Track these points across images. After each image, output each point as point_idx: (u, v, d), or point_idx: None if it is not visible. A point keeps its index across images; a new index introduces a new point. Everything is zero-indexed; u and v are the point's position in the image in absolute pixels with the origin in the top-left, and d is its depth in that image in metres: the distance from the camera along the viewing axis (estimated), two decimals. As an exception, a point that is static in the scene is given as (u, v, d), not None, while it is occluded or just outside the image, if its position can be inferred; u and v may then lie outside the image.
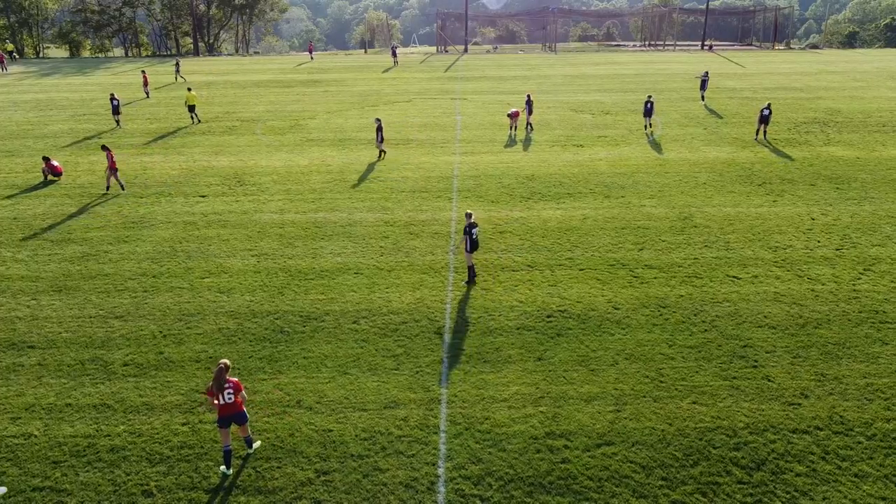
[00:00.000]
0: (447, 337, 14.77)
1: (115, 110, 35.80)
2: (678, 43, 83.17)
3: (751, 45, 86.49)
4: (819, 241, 19.84)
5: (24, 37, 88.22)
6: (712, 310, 15.82)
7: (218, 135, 34.20)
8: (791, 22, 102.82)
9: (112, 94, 36.49)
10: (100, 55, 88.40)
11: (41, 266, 18.70)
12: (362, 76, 54.25)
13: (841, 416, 11.93)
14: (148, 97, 45.01)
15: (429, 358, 13.92)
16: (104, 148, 24.97)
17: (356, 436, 11.57)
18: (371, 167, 27.85)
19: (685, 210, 22.51)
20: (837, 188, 24.75)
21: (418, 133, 33.88)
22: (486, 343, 14.46)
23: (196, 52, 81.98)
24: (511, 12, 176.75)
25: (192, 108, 37.16)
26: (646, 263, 18.39)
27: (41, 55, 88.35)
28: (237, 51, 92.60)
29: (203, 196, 24.60)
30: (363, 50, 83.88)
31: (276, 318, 15.63)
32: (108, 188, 25.22)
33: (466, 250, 17.12)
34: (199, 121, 37.15)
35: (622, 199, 23.68)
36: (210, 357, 14.02)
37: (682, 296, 16.53)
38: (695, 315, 15.59)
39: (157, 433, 11.70)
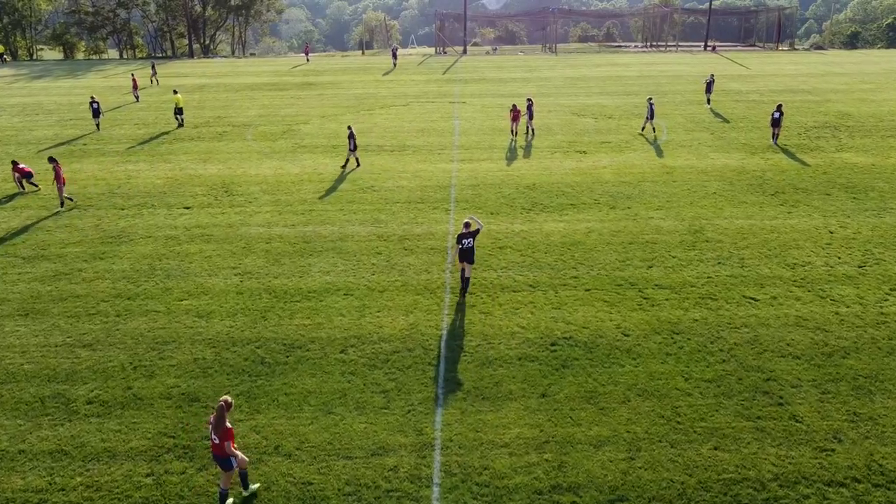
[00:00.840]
0: (442, 368, 13.56)
1: (96, 114, 34.83)
2: (680, 44, 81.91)
3: (753, 45, 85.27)
4: (839, 258, 18.63)
5: (18, 38, 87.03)
6: (730, 336, 14.61)
7: (207, 141, 32.98)
8: (792, 22, 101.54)
9: (92, 98, 35.41)
10: (94, 57, 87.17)
11: (9, 287, 17.48)
12: (359, 79, 53.06)
13: (880, 465, 10.72)
14: (138, 101, 43.80)
15: (422, 394, 12.70)
16: (51, 160, 23.32)
17: (339, 489, 10.36)
18: (365, 176, 26.64)
19: (695, 222, 21.30)
20: (854, 198, 23.53)
21: (415, 139, 32.67)
22: (485, 376, 13.24)
23: (191, 54, 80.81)
24: (510, 12, 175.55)
25: (178, 111, 36.05)
26: (656, 283, 17.18)
27: (35, 57, 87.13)
28: (233, 52, 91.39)
29: (188, 207, 23.38)
30: (360, 51, 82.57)
31: (258, 347, 14.42)
32: (62, 204, 23.60)
33: (457, 260, 16.13)
34: (182, 125, 36.02)
35: (628, 210, 22.47)
36: (182, 393, 12.81)
37: (696, 320, 15.32)
38: (711, 343, 14.37)
39: (118, 486, 10.48)
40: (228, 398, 9.73)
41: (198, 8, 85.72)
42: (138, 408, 12.41)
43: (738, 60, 63.40)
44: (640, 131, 33.41)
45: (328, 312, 15.85)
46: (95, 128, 35.44)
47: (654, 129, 33.16)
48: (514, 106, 33.13)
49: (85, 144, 32.70)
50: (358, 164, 27.94)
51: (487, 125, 35.25)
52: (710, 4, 75.57)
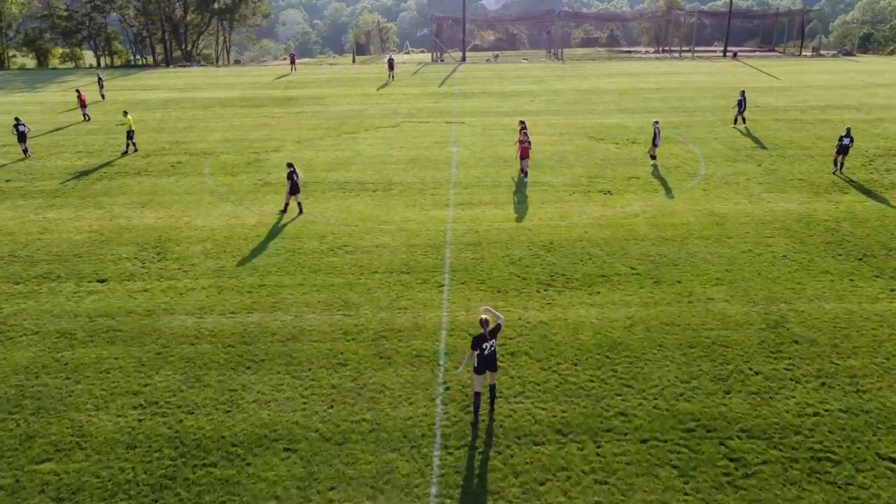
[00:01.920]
0: None
1: (21, 138, 29.79)
2: (696, 49, 76.48)
3: (772, 50, 79.95)
4: None
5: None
6: (884, 551, 9.21)
7: (155, 175, 27.54)
8: (815, 26, 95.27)
9: (17, 120, 30.17)
10: (68, 65, 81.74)
11: None
12: (346, 92, 47.60)
13: None
14: (87, 120, 38.41)
15: None
16: None
17: None
18: (338, 229, 21.22)
19: (771, 307, 15.87)
20: (970, 265, 18.13)
21: (404, 173, 27.23)
22: None
23: (166, 62, 75.30)
24: (511, 12, 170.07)
25: (129, 135, 30.79)
26: (741, 426, 11.76)
27: (6, 65, 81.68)
28: (217, 59, 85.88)
29: (102, 280, 17.95)
30: (352, 59, 76.88)
31: (131, 575, 9.01)
32: None
33: (475, 371, 11.66)
34: (125, 152, 30.82)
35: (679, 285, 17.05)
36: None
37: (820, 510, 9.91)
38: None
39: None
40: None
41: (178, 12, 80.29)
42: None
43: (764, 69, 57.97)
44: (652, 161, 28.11)
45: (255, 489, 10.44)
46: (23, 154, 30.17)
47: (653, 157, 28.01)
48: (521, 130, 27.84)
49: (8, 181, 27.25)
50: (300, 212, 22.63)
51: (490, 154, 29.82)
52: (731, 6, 70.02)
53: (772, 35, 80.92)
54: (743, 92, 34.82)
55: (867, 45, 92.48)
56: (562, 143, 31.50)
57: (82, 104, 38.32)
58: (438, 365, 13.77)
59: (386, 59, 56.80)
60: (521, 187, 25.11)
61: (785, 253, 18.98)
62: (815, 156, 28.92)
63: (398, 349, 14.35)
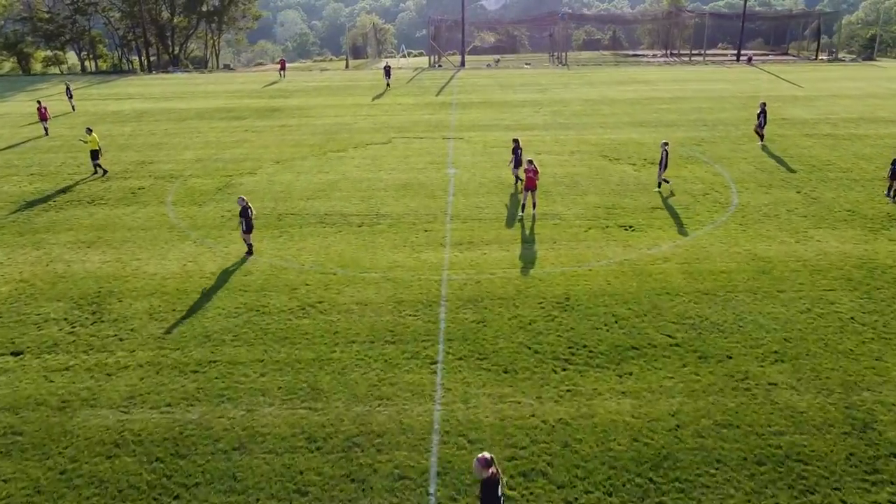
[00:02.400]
0: None
1: None
2: (707, 53, 73.06)
3: (786, 53, 76.60)
4: None
5: (-35, 49, 78.23)
6: None
7: (111, 205, 24.17)
8: (831, 28, 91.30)
9: None
10: (53, 69, 78.36)
11: None
12: (335, 102, 44.19)
13: None
14: (47, 134, 35.06)
15: None
16: None
17: None
18: (312, 279, 17.84)
19: (851, 397, 12.51)
20: None
21: (394, 202, 23.86)
22: None
23: (148, 68, 71.81)
24: (510, 13, 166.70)
25: (94, 155, 27.45)
26: None
27: (-15, 69, 78.35)
28: (206, 64, 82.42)
29: (17, 353, 14.58)
30: (345, 63, 73.32)
31: None
32: None
33: None
34: (95, 173, 27.66)
35: (729, 362, 13.68)
36: None
37: None
38: None
39: None
40: None
41: (165, 14, 76.84)
42: None
43: (782, 75, 54.58)
44: (657, 188, 24.74)
45: None
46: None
47: (666, 181, 24.58)
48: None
49: (-59, 211, 23.92)
50: (249, 252, 19.37)
51: (492, 177, 26.43)
52: (745, 7, 66.55)
53: (778, 37, 77.48)
54: (763, 105, 31.32)
55: (874, 47, 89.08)
56: (572, 164, 28.12)
57: (42, 117, 34.92)
58: (428, 495, 10.40)
59: (382, 66, 53.32)
60: (528, 220, 21.73)
61: (852, 314, 15.61)
62: (860, 180, 25.56)
63: (376, 466, 10.98)
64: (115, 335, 15.20)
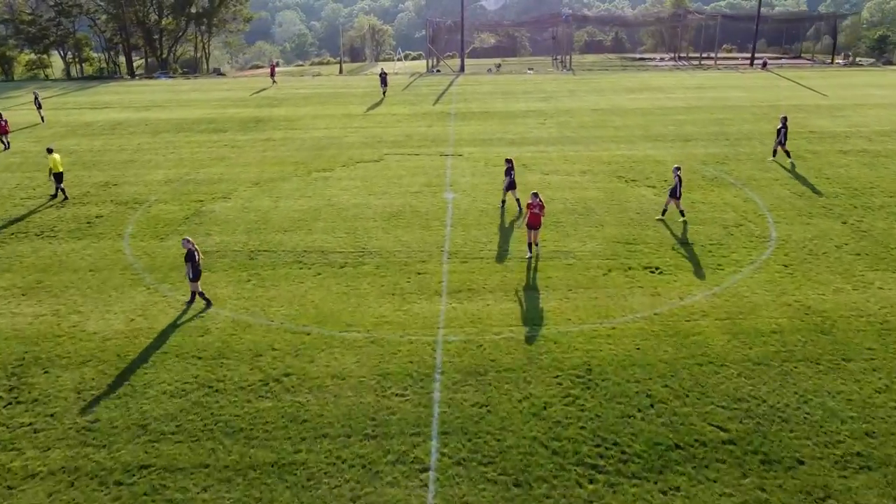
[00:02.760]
0: None
1: None
2: (719, 57, 70.06)
3: (798, 57, 73.65)
4: None
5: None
6: None
7: (60, 239, 21.17)
8: (855, 32, 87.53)
9: None
10: (38, 72, 75.36)
11: None
12: (325, 112, 41.19)
13: None
14: (7, 149, 32.13)
15: None
16: None
17: None
18: (280, 339, 14.88)
19: (971, 528, 9.55)
20: None
21: (383, 234, 20.89)
22: None
23: (132, 74, 68.69)
24: (511, 13, 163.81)
25: (57, 178, 24.51)
26: None
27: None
28: (196, 68, 79.35)
29: None
30: (338, 68, 70.01)
31: None
32: None
33: None
34: (54, 196, 24.77)
35: (801, 471, 10.71)
36: None
37: None
38: None
39: None
40: None
41: (153, 16, 73.81)
42: None
43: (802, 81, 51.53)
44: (659, 216, 21.82)
45: None
46: None
47: (681, 211, 21.60)
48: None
49: None
50: (191, 301, 16.55)
51: (494, 203, 23.45)
52: (759, 9, 63.39)
53: (781, 38, 74.49)
54: (785, 119, 28.22)
55: (883, 48, 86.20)
56: (584, 187, 25.15)
57: (2, 130, 31.96)
58: None
59: (378, 73, 50.27)
60: (536, 259, 18.76)
61: (942, 393, 12.64)
62: (915, 206, 22.62)
63: None
64: (31, 425, 12.23)
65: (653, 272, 18.00)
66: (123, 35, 71.33)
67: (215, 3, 74.08)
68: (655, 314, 15.74)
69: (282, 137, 34.17)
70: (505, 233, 20.89)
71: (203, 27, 77.22)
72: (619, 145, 31.32)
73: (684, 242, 19.96)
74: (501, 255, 19.18)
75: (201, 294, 16.45)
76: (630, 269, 18.22)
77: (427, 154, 30.44)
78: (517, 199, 22.54)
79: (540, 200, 18.34)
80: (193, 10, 74.57)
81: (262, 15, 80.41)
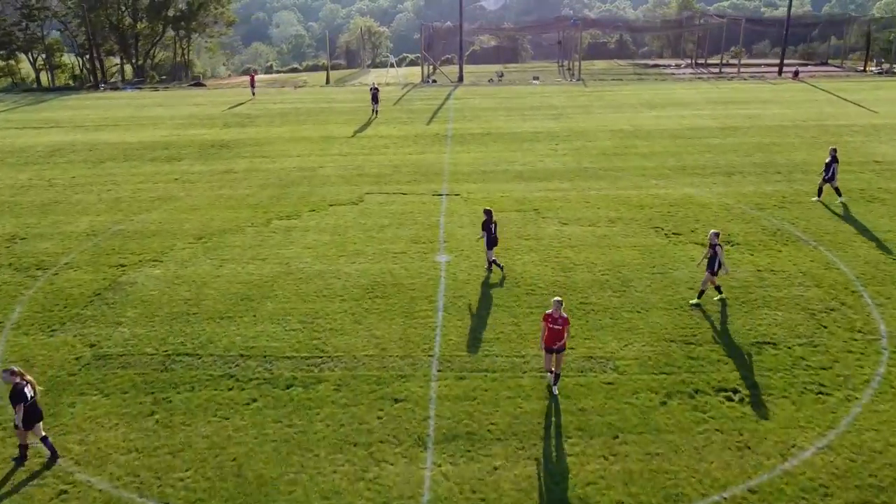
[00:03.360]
0: None
1: None
2: (743, 64, 64.60)
3: (825, 63, 68.26)
4: None
5: None
6: None
7: (-82, 330, 15.75)
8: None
9: None
10: (2, 81, 69.98)
11: None
12: (301, 134, 35.74)
13: None
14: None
15: None
16: None
17: None
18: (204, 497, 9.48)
19: None
20: None
21: (351, 324, 15.45)
22: None
23: (95, 84, 62.99)
24: (511, 13, 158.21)
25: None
26: None
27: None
28: (176, 75, 73.76)
29: None
30: (325, 78, 64.18)
31: None
32: None
33: None
34: None
35: None
36: None
37: None
38: None
39: None
40: None
41: (127, 20, 68.31)
42: None
43: (841, 93, 46.04)
44: (718, 295, 16.31)
45: None
46: None
47: (717, 289, 16.16)
48: (556, 309, 12.68)
49: None
50: (21, 457, 11.27)
51: (497, 269, 18.01)
52: (790, 10, 57.71)
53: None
54: (834, 151, 22.70)
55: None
56: (615, 245, 19.70)
57: None
58: None
59: (369, 88, 44.56)
60: (558, 374, 13.34)
61: None
62: None
63: None
64: None
65: (731, 399, 12.57)
66: (94, 40, 65.74)
67: (194, 6, 68.53)
68: (751, 493, 10.31)
69: (244, 169, 28.72)
70: (513, 317, 15.47)
71: (182, 32, 71.67)
72: (649, 181, 25.88)
73: (763, 341, 14.52)
74: (514, 364, 13.76)
75: (46, 442, 11.08)
76: (697, 392, 12.79)
77: (417, 192, 25.03)
78: (493, 260, 17.64)
79: (563, 313, 12.65)
80: (171, 13, 69.02)
81: (236, 19, 74.00)
